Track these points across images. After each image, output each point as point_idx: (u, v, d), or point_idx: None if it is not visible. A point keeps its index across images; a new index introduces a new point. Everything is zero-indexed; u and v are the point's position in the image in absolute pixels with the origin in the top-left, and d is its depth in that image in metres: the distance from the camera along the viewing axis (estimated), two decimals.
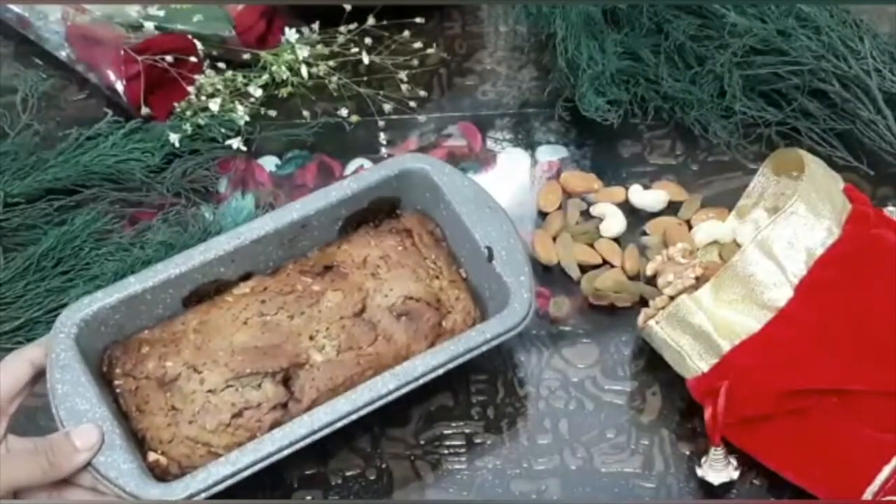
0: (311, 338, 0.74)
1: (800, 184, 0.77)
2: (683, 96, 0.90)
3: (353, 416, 0.69)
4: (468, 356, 0.72)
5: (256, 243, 0.75)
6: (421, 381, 0.71)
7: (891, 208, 0.83)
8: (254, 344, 0.73)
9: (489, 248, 0.75)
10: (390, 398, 0.70)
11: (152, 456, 0.69)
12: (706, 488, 0.75)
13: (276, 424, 0.70)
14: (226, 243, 0.75)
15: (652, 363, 0.80)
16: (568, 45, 0.86)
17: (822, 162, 0.81)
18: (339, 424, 0.69)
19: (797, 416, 0.73)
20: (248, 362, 0.72)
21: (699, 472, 0.75)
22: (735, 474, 0.74)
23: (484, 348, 0.72)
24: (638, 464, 0.77)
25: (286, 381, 0.73)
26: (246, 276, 0.77)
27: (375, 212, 0.80)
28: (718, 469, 0.74)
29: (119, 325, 0.73)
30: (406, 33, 0.97)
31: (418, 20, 0.97)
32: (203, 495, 0.66)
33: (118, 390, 0.72)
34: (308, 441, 0.68)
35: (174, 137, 0.88)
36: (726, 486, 0.75)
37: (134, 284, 0.73)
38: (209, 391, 0.71)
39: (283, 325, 0.74)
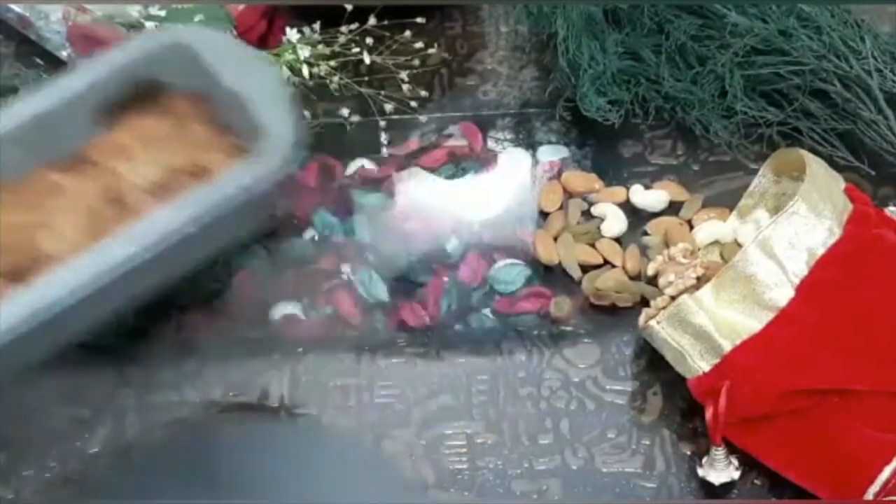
0: (55, 230, 0.66)
1: (801, 184, 0.77)
2: (684, 96, 0.90)
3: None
4: (224, 208, 0.65)
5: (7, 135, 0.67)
6: (174, 241, 0.64)
7: (892, 208, 0.82)
8: None
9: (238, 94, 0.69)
10: (141, 261, 0.63)
11: None
12: (707, 488, 0.75)
13: None
14: None
15: (653, 363, 0.80)
16: (569, 45, 0.86)
17: (824, 162, 0.81)
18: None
19: (798, 416, 0.73)
20: None
21: (700, 472, 0.75)
22: (736, 474, 0.74)
23: (242, 197, 0.65)
24: (639, 464, 0.77)
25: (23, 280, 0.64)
26: None
27: (138, 98, 0.72)
28: (719, 469, 0.74)
29: None
30: (407, 33, 0.97)
31: (419, 20, 0.97)
32: None
33: None
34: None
35: None
36: (727, 486, 0.75)
37: None
38: None
39: (17, 221, 0.66)
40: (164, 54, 0.72)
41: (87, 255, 0.62)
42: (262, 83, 0.70)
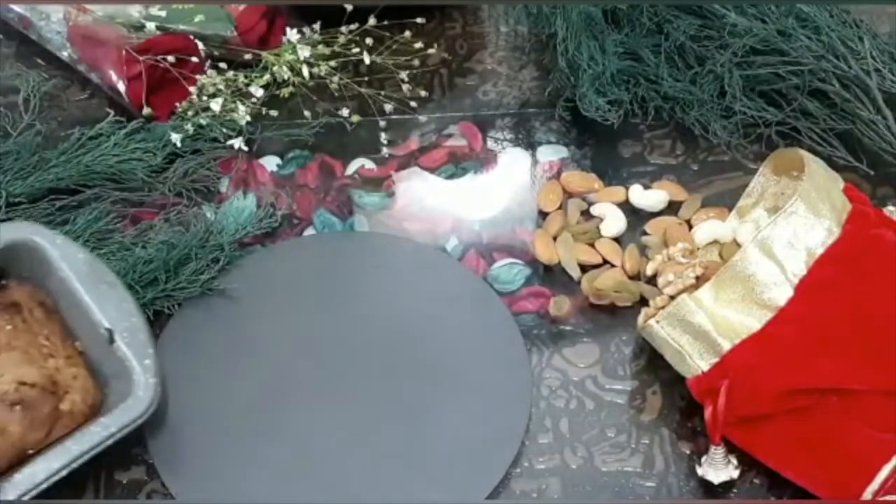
0: None
1: (800, 183, 0.77)
2: (684, 96, 0.90)
3: None
4: (92, 454, 0.69)
5: None
6: (44, 487, 0.67)
7: (891, 208, 0.83)
8: None
9: (109, 331, 0.72)
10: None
11: None
12: (706, 487, 0.75)
13: None
14: None
15: (652, 362, 0.80)
16: (568, 46, 0.87)
17: (822, 162, 0.81)
18: None
19: (797, 415, 0.73)
20: None
21: (699, 471, 0.75)
22: (735, 473, 0.74)
23: (109, 442, 0.69)
24: (638, 463, 0.77)
25: None
26: None
27: None
28: (719, 468, 0.74)
29: None
30: (407, 33, 0.97)
31: (419, 20, 0.97)
32: None
33: None
34: None
35: (176, 137, 0.88)
36: (726, 486, 0.75)
37: None
38: None
39: None
40: (11, 250, 0.74)
41: None
42: (119, 313, 0.72)
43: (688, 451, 0.77)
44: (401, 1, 0.96)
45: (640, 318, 0.79)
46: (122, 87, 0.90)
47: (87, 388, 0.73)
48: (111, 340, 0.72)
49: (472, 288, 0.83)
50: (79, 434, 0.69)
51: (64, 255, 0.74)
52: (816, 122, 0.88)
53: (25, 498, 0.67)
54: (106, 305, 0.73)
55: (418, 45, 0.97)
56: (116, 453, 0.72)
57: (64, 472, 0.68)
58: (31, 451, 0.70)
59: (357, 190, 0.89)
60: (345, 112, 0.93)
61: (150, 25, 0.92)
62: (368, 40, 0.95)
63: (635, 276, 0.84)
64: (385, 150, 0.92)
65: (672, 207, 0.87)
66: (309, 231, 0.87)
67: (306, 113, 0.93)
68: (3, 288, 0.75)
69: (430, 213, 0.88)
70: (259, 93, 0.92)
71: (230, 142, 0.90)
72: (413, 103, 0.94)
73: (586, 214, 0.88)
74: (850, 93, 0.86)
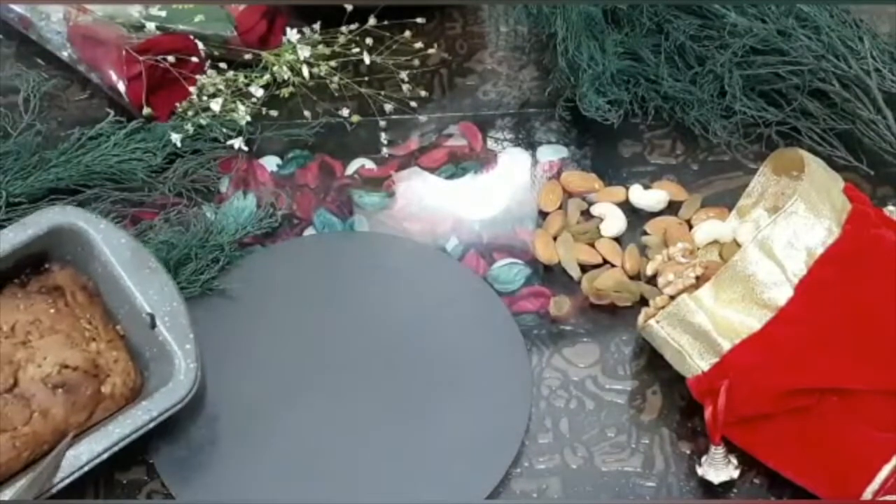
0: None
1: (800, 183, 0.77)
2: (684, 96, 0.90)
3: None
4: (133, 437, 0.69)
5: None
6: (86, 469, 0.68)
7: (891, 208, 0.83)
8: None
9: (151, 316, 0.72)
10: (55, 490, 0.67)
11: None
12: (706, 487, 0.75)
13: None
14: None
15: (652, 362, 0.80)
16: (568, 46, 0.87)
17: (823, 162, 0.81)
18: None
19: (797, 415, 0.73)
20: None
21: (699, 471, 0.75)
22: (735, 473, 0.74)
23: (151, 426, 0.70)
24: (638, 463, 0.77)
25: None
26: None
27: (21, 267, 0.75)
28: (719, 468, 0.74)
29: None
30: (407, 33, 0.97)
31: (419, 20, 0.97)
32: None
33: None
34: None
35: (176, 137, 0.88)
36: (726, 485, 0.75)
37: None
38: None
39: None
40: (55, 234, 0.74)
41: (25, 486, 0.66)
42: (161, 297, 0.72)
43: (688, 451, 0.77)
44: (401, 1, 0.96)
45: (640, 318, 0.79)
46: (122, 87, 0.90)
47: (127, 371, 0.73)
48: (153, 325, 0.72)
49: (472, 288, 0.83)
50: (121, 418, 0.69)
51: (106, 240, 0.74)
52: (816, 122, 0.88)
53: (68, 481, 0.67)
54: (148, 290, 0.73)
55: (418, 45, 0.97)
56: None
57: (105, 456, 0.69)
58: (73, 434, 0.70)
59: (357, 190, 0.89)
60: (345, 112, 0.93)
61: (150, 25, 0.92)
62: (368, 40, 0.95)
63: (635, 276, 0.84)
64: (385, 150, 0.92)
65: (672, 207, 0.87)
66: (309, 231, 0.87)
67: (306, 113, 0.93)
68: (46, 271, 0.76)
69: (430, 213, 0.88)
70: (259, 93, 0.92)
71: (230, 142, 0.90)
72: (413, 103, 0.94)
73: (586, 214, 0.88)
74: (850, 93, 0.86)
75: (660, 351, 0.77)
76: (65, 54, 0.95)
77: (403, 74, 0.94)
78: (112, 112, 0.91)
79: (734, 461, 0.74)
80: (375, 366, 0.80)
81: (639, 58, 0.91)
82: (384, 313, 0.82)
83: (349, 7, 0.94)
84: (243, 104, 0.91)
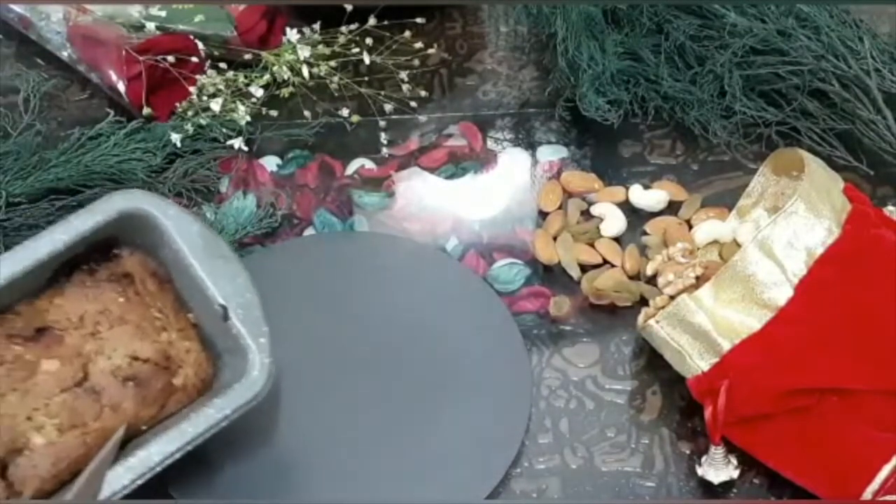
0: (29, 418, 0.66)
1: (800, 183, 0.77)
2: (683, 96, 0.90)
3: None
4: (206, 435, 0.67)
5: None
6: (158, 470, 0.66)
7: (891, 208, 0.83)
8: None
9: (224, 307, 0.70)
10: (128, 491, 0.65)
11: None
12: (706, 487, 0.75)
13: None
14: None
15: (652, 362, 0.80)
16: (568, 46, 0.87)
17: (822, 162, 0.81)
18: None
19: (797, 415, 0.73)
20: None
21: (699, 471, 0.75)
22: (735, 473, 0.74)
23: (223, 424, 0.68)
24: (638, 463, 0.77)
25: (3, 471, 0.65)
26: None
27: (89, 254, 0.72)
28: (718, 468, 0.74)
29: None
30: (407, 33, 0.97)
31: (419, 20, 0.97)
32: None
33: None
34: None
35: (176, 137, 0.88)
36: (726, 486, 0.75)
37: None
38: None
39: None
40: (125, 220, 0.72)
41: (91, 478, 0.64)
42: (235, 288, 0.70)
43: (688, 451, 0.77)
44: (401, 1, 0.96)
45: (640, 318, 0.79)
46: (122, 87, 0.90)
47: (199, 361, 0.71)
48: (225, 317, 0.70)
49: (472, 288, 0.83)
50: (194, 416, 0.67)
51: (177, 227, 0.71)
52: (816, 122, 0.88)
53: (140, 482, 0.65)
54: (220, 280, 0.70)
55: (418, 45, 0.97)
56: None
57: (178, 455, 0.66)
58: (144, 428, 0.69)
59: (357, 190, 0.89)
60: (345, 112, 0.93)
61: (150, 25, 0.92)
62: (368, 40, 0.95)
63: (635, 276, 0.84)
64: (385, 150, 0.92)
65: (672, 207, 0.87)
66: (309, 231, 0.87)
67: (306, 113, 0.93)
68: (116, 258, 0.73)
69: (430, 213, 0.88)
70: (259, 93, 0.92)
71: (230, 142, 0.90)
72: (413, 103, 0.94)
73: (586, 214, 0.88)
74: (850, 93, 0.86)
75: (660, 351, 0.77)
76: (65, 54, 0.95)
77: (403, 74, 0.94)
78: (112, 112, 0.91)
79: (734, 461, 0.74)
80: (375, 366, 0.80)
81: (639, 58, 0.91)
82: (384, 313, 0.82)
83: (349, 7, 0.94)
84: (243, 104, 0.91)
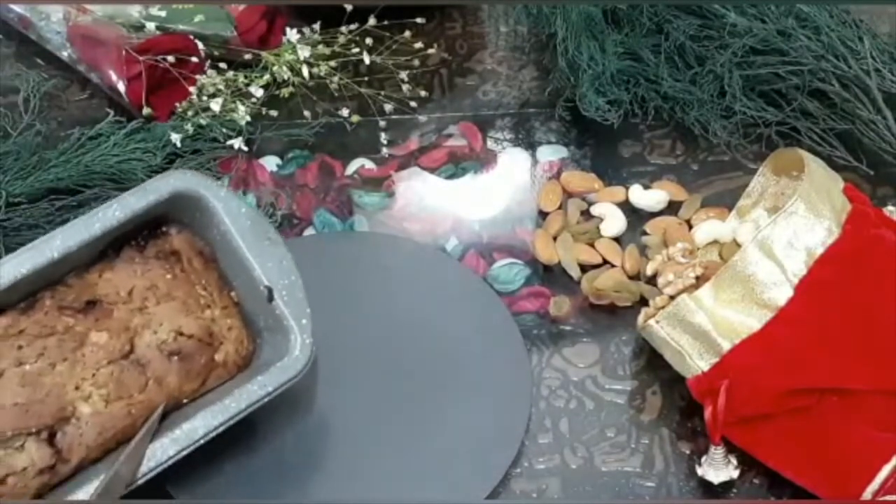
0: (77, 387, 0.68)
1: (800, 183, 0.77)
2: (683, 96, 0.90)
3: (132, 487, 0.66)
4: (248, 411, 0.69)
5: (12, 285, 0.69)
6: (201, 443, 0.68)
7: (891, 208, 0.83)
8: (14, 400, 0.66)
9: (269, 289, 0.71)
10: (172, 462, 0.67)
11: None
12: (706, 487, 0.75)
13: (43, 488, 0.66)
14: None
15: (652, 362, 0.80)
16: (568, 46, 0.87)
17: (822, 162, 0.82)
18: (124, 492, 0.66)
19: (797, 415, 0.73)
20: (10, 422, 0.66)
21: (699, 471, 0.75)
22: (735, 473, 0.74)
23: (265, 401, 0.69)
24: (638, 463, 0.77)
25: (51, 438, 0.67)
26: None
27: (139, 231, 0.74)
28: (718, 468, 0.74)
29: None
30: (407, 33, 0.97)
31: (419, 20, 0.97)
32: None
33: None
34: None
35: (176, 137, 0.88)
36: (726, 486, 0.75)
37: None
38: None
39: (46, 374, 0.68)
40: (175, 200, 0.73)
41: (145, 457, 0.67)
42: (280, 271, 0.72)
43: (688, 451, 0.77)
44: (401, 1, 0.96)
45: (640, 318, 0.79)
46: (122, 87, 0.90)
47: (240, 339, 0.73)
48: (270, 298, 0.71)
49: (472, 288, 0.83)
50: (237, 392, 0.69)
51: (227, 209, 0.73)
52: (816, 122, 0.88)
53: (184, 453, 0.67)
54: (267, 262, 0.72)
55: (418, 45, 0.97)
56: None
57: (221, 429, 0.68)
58: (185, 401, 0.71)
59: (357, 190, 0.89)
60: (345, 112, 0.93)
61: (150, 25, 0.92)
62: (368, 40, 0.95)
63: (635, 276, 0.84)
64: (385, 150, 0.92)
65: (672, 207, 0.87)
66: (309, 231, 0.87)
67: (306, 113, 0.93)
68: (164, 235, 0.74)
69: (430, 213, 0.88)
70: (259, 93, 0.92)
71: (230, 142, 0.90)
72: (413, 103, 0.94)
73: (586, 214, 0.88)
74: (850, 93, 0.86)
75: (659, 351, 0.77)
76: (65, 54, 0.95)
77: (403, 74, 0.94)
78: (112, 112, 0.91)
79: (734, 461, 0.74)
80: (375, 366, 0.80)
81: (639, 58, 0.91)
82: (384, 313, 0.82)
83: (349, 7, 0.94)
84: (243, 104, 0.91)
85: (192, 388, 0.71)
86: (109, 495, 0.65)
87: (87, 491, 0.65)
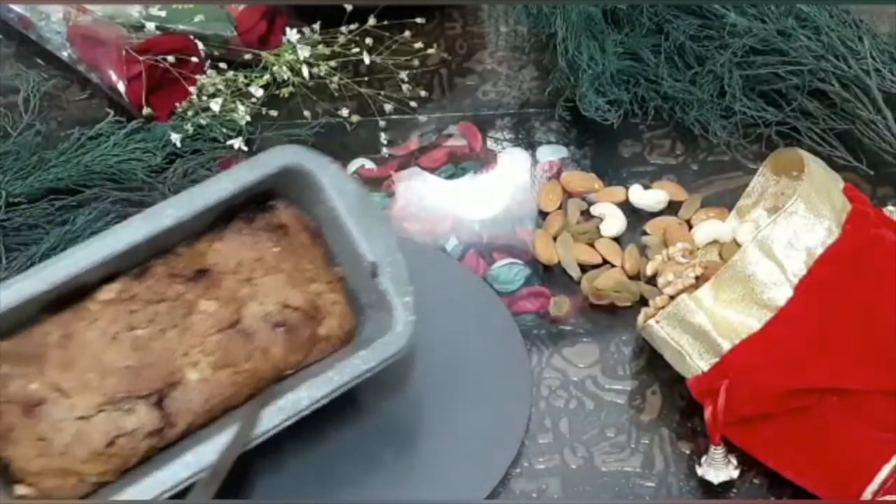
0: (186, 354, 0.69)
1: (800, 183, 0.77)
2: (683, 96, 0.90)
3: (239, 452, 0.67)
4: (350, 385, 0.69)
5: (126, 251, 0.70)
6: (305, 413, 0.68)
7: (890, 208, 0.83)
8: (125, 363, 0.68)
9: (373, 265, 0.72)
10: (277, 430, 0.68)
11: (20, 489, 0.66)
12: (706, 487, 0.75)
13: (150, 451, 0.68)
14: (95, 253, 0.69)
15: (652, 362, 0.80)
16: (568, 46, 0.87)
17: (822, 162, 0.82)
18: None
19: (797, 415, 0.73)
20: (121, 385, 0.67)
21: (699, 471, 0.75)
22: (735, 473, 0.74)
23: (367, 375, 0.70)
24: (638, 463, 0.77)
25: (159, 402, 0.68)
26: (108, 277, 0.71)
27: (247, 203, 0.75)
28: (718, 468, 0.74)
29: None
30: (407, 33, 0.97)
31: (419, 20, 0.97)
32: None
33: None
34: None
35: (176, 137, 0.88)
36: (726, 486, 0.75)
37: None
38: (80, 418, 0.67)
39: (156, 340, 0.69)
40: (284, 174, 0.74)
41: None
42: (385, 248, 0.72)
43: (688, 451, 0.77)
44: (401, 1, 0.96)
45: (640, 318, 0.79)
46: (122, 87, 0.90)
47: (344, 314, 0.73)
48: (374, 274, 0.71)
49: (472, 288, 0.83)
50: (339, 365, 0.69)
51: (335, 184, 0.73)
52: (816, 122, 0.88)
53: (289, 423, 0.68)
54: (373, 239, 0.72)
55: (418, 45, 0.97)
56: None
57: (324, 401, 0.69)
58: (289, 373, 0.72)
59: None
60: (345, 112, 0.93)
61: (150, 25, 0.92)
62: (368, 40, 0.96)
63: (635, 276, 0.84)
64: (385, 150, 0.92)
65: (672, 207, 0.88)
66: None
67: (306, 113, 0.93)
68: (271, 209, 0.75)
69: (430, 213, 0.88)
70: (259, 93, 0.92)
71: (230, 142, 0.90)
72: (413, 103, 0.94)
73: (586, 214, 0.88)
74: (850, 93, 0.86)
75: (659, 351, 0.77)
76: (65, 54, 0.95)
77: (403, 74, 0.94)
78: (112, 112, 0.91)
79: (734, 461, 0.74)
80: None
81: (639, 58, 0.91)
82: None
83: (349, 7, 0.94)
84: (243, 104, 0.91)
85: (295, 360, 0.72)
86: (228, 457, 0.65)
87: (196, 453, 0.65)
